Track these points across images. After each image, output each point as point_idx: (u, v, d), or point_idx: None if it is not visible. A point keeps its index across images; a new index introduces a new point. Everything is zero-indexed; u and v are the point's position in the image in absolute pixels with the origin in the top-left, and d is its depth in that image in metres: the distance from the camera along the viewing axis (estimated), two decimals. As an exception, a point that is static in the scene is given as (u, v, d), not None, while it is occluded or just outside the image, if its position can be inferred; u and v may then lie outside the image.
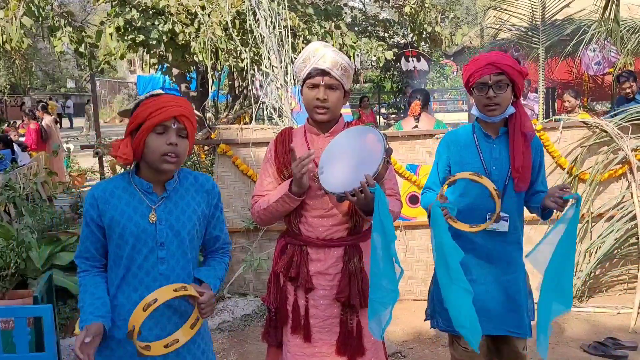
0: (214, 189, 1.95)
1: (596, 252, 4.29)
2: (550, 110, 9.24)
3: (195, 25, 7.00)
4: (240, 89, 9.45)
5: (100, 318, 1.74)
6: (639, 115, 4.33)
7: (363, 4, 11.66)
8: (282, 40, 4.90)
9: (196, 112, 5.50)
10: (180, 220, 1.83)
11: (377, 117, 13.92)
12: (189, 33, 6.97)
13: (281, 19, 4.94)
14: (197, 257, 1.95)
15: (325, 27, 7.55)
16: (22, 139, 9.86)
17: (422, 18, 9.44)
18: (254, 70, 5.92)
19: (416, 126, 4.74)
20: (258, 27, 4.88)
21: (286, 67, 4.83)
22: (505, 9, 6.40)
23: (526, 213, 2.48)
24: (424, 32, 9.67)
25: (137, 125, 1.75)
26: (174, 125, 1.75)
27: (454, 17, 11.06)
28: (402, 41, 11.17)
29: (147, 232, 1.79)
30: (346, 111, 5.93)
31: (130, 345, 1.73)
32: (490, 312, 2.33)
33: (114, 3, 7.09)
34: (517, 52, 8.19)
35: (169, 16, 7.01)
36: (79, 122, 26.47)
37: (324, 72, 2.06)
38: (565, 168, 4.33)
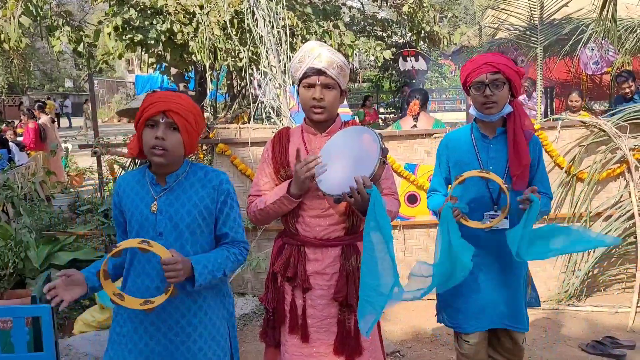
0: (222, 185, 1.95)
1: (594, 251, 4.30)
2: (549, 109, 9.25)
3: (194, 24, 7.00)
4: (238, 89, 9.45)
5: (86, 272, 1.93)
6: (637, 114, 4.33)
7: (361, 4, 11.67)
8: (280, 40, 4.89)
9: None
10: (179, 212, 1.89)
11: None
12: (187, 32, 6.96)
13: (279, 19, 4.94)
14: (201, 252, 1.94)
15: (323, 27, 7.56)
16: (20, 139, 9.84)
17: (420, 17, 9.45)
18: (252, 69, 5.92)
19: (415, 126, 4.74)
20: (256, 26, 4.88)
21: (284, 67, 4.83)
22: (503, 9, 6.40)
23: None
24: (423, 32, 9.68)
25: (137, 121, 1.87)
26: (162, 119, 1.83)
27: (452, 17, 11.04)
28: (401, 41, 11.17)
29: (149, 220, 1.89)
30: (345, 110, 5.93)
31: (138, 316, 1.90)
32: (494, 308, 2.41)
33: (112, 2, 7.08)
34: (517, 51, 8.20)
35: (167, 16, 7.01)
36: (77, 121, 26.44)
37: (319, 72, 2.06)
38: (563, 167, 4.34)
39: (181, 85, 9.09)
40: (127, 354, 1.94)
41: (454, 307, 2.47)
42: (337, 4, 9.53)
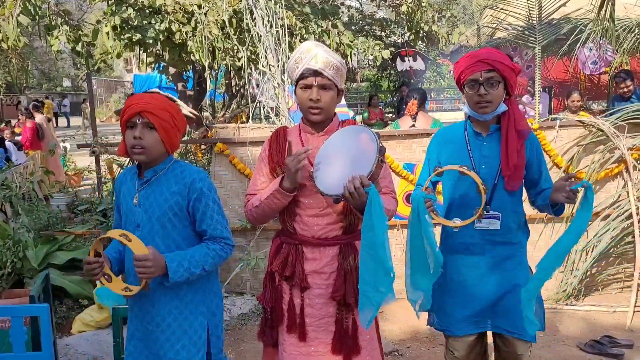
0: (195, 184, 2.02)
1: (592, 251, 4.31)
2: (547, 109, 9.25)
3: (192, 24, 6.99)
4: (237, 88, 9.45)
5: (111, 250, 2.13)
6: (635, 114, 4.34)
7: (360, 3, 11.65)
8: (279, 39, 4.89)
9: (193, 110, 5.50)
10: (152, 205, 2.02)
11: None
12: (186, 32, 6.96)
13: (278, 18, 4.94)
14: (175, 247, 2.03)
15: (322, 26, 7.55)
16: (18, 138, 9.82)
17: (418, 17, 9.45)
18: (250, 69, 5.92)
19: (413, 125, 4.74)
20: (255, 26, 4.88)
21: (283, 66, 4.83)
22: (502, 8, 6.40)
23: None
24: (421, 31, 9.68)
25: (120, 124, 2.04)
26: (139, 120, 1.96)
27: (451, 16, 11.03)
28: (399, 40, 11.18)
29: (132, 212, 2.06)
30: (342, 110, 5.92)
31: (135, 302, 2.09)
32: (486, 311, 2.33)
33: (110, 2, 7.08)
34: (515, 51, 8.21)
35: (166, 15, 7.00)
36: (76, 121, 26.40)
37: (316, 73, 2.06)
38: (561, 167, 4.34)
39: (180, 85, 9.08)
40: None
41: (443, 310, 2.40)
42: (335, 3, 9.53)
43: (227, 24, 6.31)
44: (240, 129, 4.65)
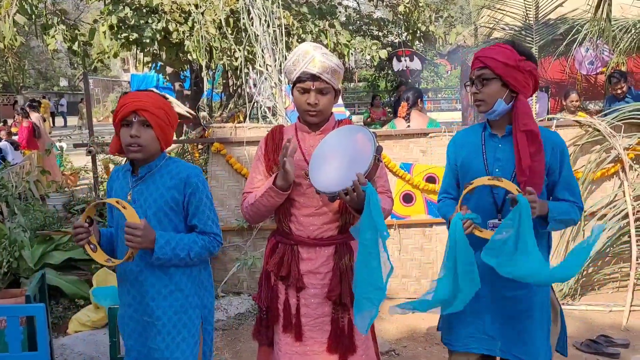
0: (190, 179, 2.04)
1: (589, 251, 4.31)
2: (546, 108, 9.25)
3: (189, 23, 6.99)
4: (234, 88, 9.44)
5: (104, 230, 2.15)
6: (631, 114, 4.35)
7: (357, 3, 11.66)
8: (276, 39, 4.89)
9: (189, 110, 5.49)
10: (147, 201, 2.03)
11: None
12: (183, 31, 6.96)
13: (275, 18, 4.94)
14: None
15: (319, 26, 7.56)
16: (15, 137, 9.79)
17: (416, 17, 9.47)
18: (248, 69, 5.92)
19: (408, 126, 4.74)
20: (252, 25, 4.87)
21: (280, 66, 4.83)
22: (499, 9, 6.42)
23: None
24: (418, 31, 9.69)
25: (114, 122, 2.04)
26: (135, 118, 1.96)
27: (448, 16, 11.05)
28: (397, 40, 11.18)
29: None
30: (339, 110, 5.92)
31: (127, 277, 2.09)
32: (488, 330, 2.18)
33: (107, 1, 7.07)
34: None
35: (163, 14, 6.99)
36: (73, 120, 26.34)
37: (314, 77, 2.05)
38: (558, 167, 4.35)
39: (177, 85, 9.08)
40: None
41: (449, 322, 2.26)
42: (332, 3, 9.53)
43: (224, 23, 6.30)
44: (237, 129, 4.64)
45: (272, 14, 4.88)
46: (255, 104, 5.12)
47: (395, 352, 3.62)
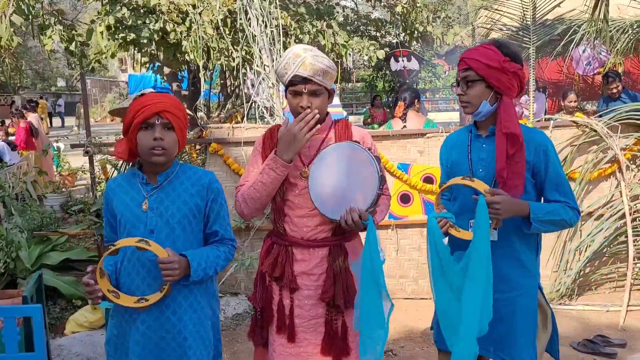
0: (212, 185, 2.02)
1: (586, 251, 4.32)
2: (543, 109, 9.26)
3: (187, 24, 6.98)
4: (232, 88, 9.43)
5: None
6: (628, 114, 4.36)
7: (355, 3, 11.67)
8: (273, 39, 4.89)
9: (188, 111, 5.49)
10: (169, 209, 1.94)
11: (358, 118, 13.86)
12: (180, 32, 6.95)
13: (273, 18, 4.94)
14: (190, 249, 1.98)
15: (317, 26, 7.56)
16: (12, 138, 9.77)
17: (413, 17, 9.47)
18: (245, 69, 5.91)
19: (405, 126, 4.75)
20: (249, 26, 4.87)
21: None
22: (496, 9, 6.42)
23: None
24: (416, 32, 9.69)
25: (128, 125, 1.90)
26: (158, 121, 1.88)
27: (446, 17, 11.06)
28: (394, 40, 11.20)
29: (140, 219, 1.93)
30: (336, 110, 5.91)
31: (124, 310, 1.94)
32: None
33: (104, 1, 7.05)
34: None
35: (160, 15, 6.99)
36: (70, 121, 26.29)
37: (305, 80, 2.05)
38: (555, 167, 4.35)
39: (174, 85, 9.07)
40: (122, 356, 2.00)
41: (437, 322, 2.24)
42: (330, 3, 9.54)
43: (222, 24, 6.30)
44: (234, 129, 4.64)
45: (270, 14, 4.88)
46: (253, 104, 5.12)
47: (392, 353, 3.62)
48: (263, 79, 4.90)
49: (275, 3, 4.92)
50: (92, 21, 7.30)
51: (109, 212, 2.04)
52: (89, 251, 4.75)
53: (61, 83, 37.69)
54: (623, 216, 4.24)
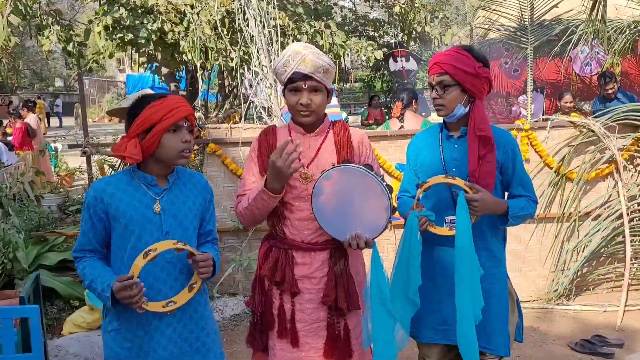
0: (208, 186, 2.10)
1: (583, 251, 4.33)
2: (541, 109, 9.27)
3: (185, 24, 6.98)
4: (230, 88, 9.44)
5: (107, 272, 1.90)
6: (626, 115, 4.37)
7: (353, 4, 11.68)
8: (271, 40, 4.89)
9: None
10: (182, 210, 1.96)
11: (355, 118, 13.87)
12: (178, 32, 6.95)
13: (271, 18, 4.93)
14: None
15: (315, 27, 7.56)
16: (10, 138, 9.75)
17: (411, 18, 9.49)
18: (243, 69, 5.91)
19: (402, 126, 4.75)
20: (247, 26, 4.87)
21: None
22: (494, 9, 6.43)
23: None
24: (414, 32, 9.70)
25: (148, 127, 1.85)
26: (185, 124, 1.91)
27: (444, 17, 11.06)
28: (392, 41, 11.21)
29: (153, 222, 1.90)
30: (335, 111, 5.91)
31: (137, 318, 1.87)
32: (450, 321, 2.18)
33: (102, 1, 7.06)
34: (507, 52, 8.23)
35: (158, 15, 6.98)
36: (68, 121, 26.25)
37: (306, 77, 2.03)
38: (552, 167, 4.36)
39: (172, 85, 9.07)
40: None
41: (416, 315, 2.23)
42: (328, 3, 9.54)
43: (220, 24, 6.30)
44: (232, 129, 4.64)
45: (268, 14, 4.87)
46: (251, 104, 5.11)
47: (390, 353, 3.62)
48: (261, 79, 4.90)
49: (273, 3, 4.91)
50: (90, 21, 7.30)
51: (99, 216, 1.89)
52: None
53: (59, 83, 37.64)
54: (620, 216, 4.25)
